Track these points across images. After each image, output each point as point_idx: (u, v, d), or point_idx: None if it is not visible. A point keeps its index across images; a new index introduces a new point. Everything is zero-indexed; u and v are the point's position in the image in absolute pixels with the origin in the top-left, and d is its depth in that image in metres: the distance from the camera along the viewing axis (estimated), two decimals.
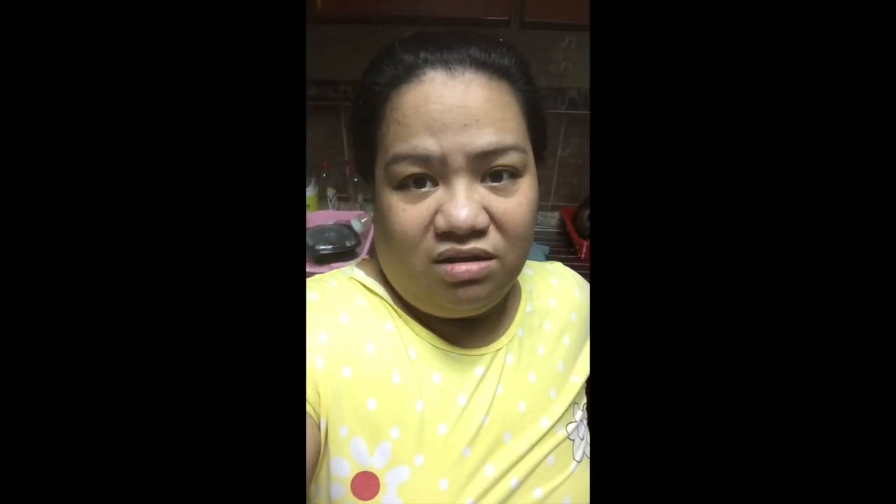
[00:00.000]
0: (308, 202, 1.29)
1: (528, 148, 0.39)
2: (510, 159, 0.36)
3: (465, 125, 0.35)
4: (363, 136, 0.40)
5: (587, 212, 1.25)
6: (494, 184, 0.37)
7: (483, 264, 0.37)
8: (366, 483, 0.37)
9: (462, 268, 0.37)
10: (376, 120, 0.38)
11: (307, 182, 1.28)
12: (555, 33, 1.12)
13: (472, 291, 0.38)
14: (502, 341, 0.45)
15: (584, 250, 1.21)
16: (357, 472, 0.38)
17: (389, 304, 0.43)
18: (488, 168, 0.36)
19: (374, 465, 0.38)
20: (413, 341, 0.42)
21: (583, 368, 0.50)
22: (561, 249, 1.29)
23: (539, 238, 1.32)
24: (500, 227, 0.37)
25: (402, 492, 0.38)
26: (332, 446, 0.37)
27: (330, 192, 1.33)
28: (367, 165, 0.41)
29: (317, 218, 1.27)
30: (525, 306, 0.48)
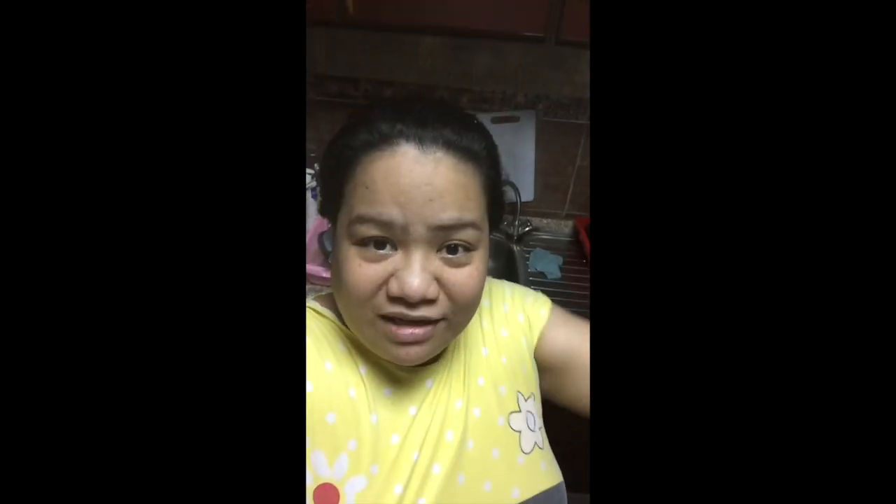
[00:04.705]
0: None
1: (485, 225, 0.42)
2: (467, 235, 0.39)
3: (430, 200, 0.38)
4: (329, 188, 0.43)
5: None
6: (449, 255, 0.40)
7: (428, 328, 0.40)
8: (326, 494, 0.40)
9: (407, 331, 0.40)
10: (344, 178, 0.40)
11: None
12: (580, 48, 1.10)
13: (413, 352, 0.41)
14: (448, 350, 0.49)
15: None
16: (318, 483, 0.40)
17: (341, 329, 0.47)
18: (445, 241, 0.39)
19: (334, 476, 0.41)
20: (363, 360, 0.46)
21: (512, 351, 0.52)
22: (573, 260, 1.30)
23: (551, 247, 1.32)
24: (449, 296, 0.40)
25: (360, 499, 0.41)
26: None
27: None
28: (331, 212, 0.43)
29: None
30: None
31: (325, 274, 1.08)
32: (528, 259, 1.26)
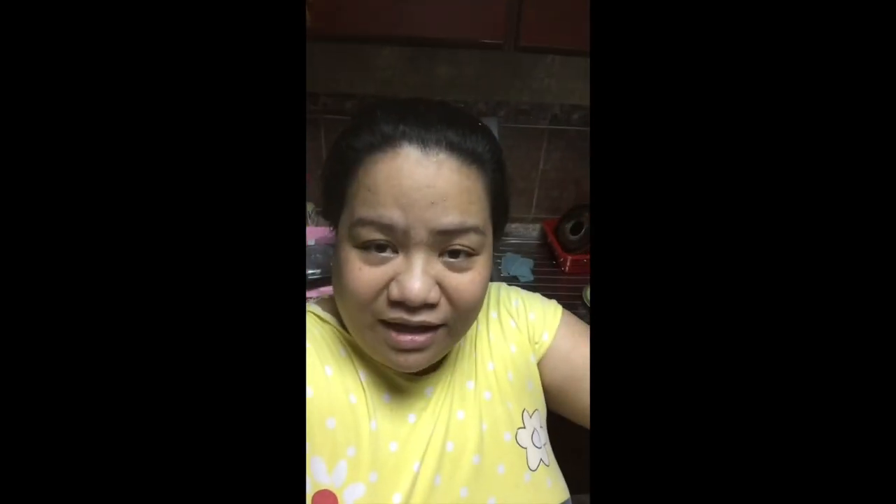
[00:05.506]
0: None
1: (489, 229, 0.41)
2: (469, 240, 0.39)
3: (432, 203, 0.37)
4: (332, 190, 0.42)
5: (569, 224, 1.27)
6: (451, 260, 0.39)
7: (428, 335, 0.40)
8: (324, 501, 0.39)
9: (407, 338, 0.39)
10: (347, 179, 0.40)
11: None
12: (539, 54, 1.12)
13: (413, 359, 0.40)
14: (449, 360, 0.48)
15: (567, 264, 1.23)
16: (316, 489, 0.39)
17: (342, 334, 0.46)
18: (447, 245, 0.38)
19: (333, 483, 0.40)
20: (363, 366, 0.45)
21: (521, 366, 0.51)
22: (543, 262, 1.31)
23: (521, 250, 1.33)
24: (450, 301, 0.39)
25: None
26: None
27: (309, 206, 1.29)
28: (333, 215, 0.43)
29: None
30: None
31: None
32: (499, 264, 1.27)
